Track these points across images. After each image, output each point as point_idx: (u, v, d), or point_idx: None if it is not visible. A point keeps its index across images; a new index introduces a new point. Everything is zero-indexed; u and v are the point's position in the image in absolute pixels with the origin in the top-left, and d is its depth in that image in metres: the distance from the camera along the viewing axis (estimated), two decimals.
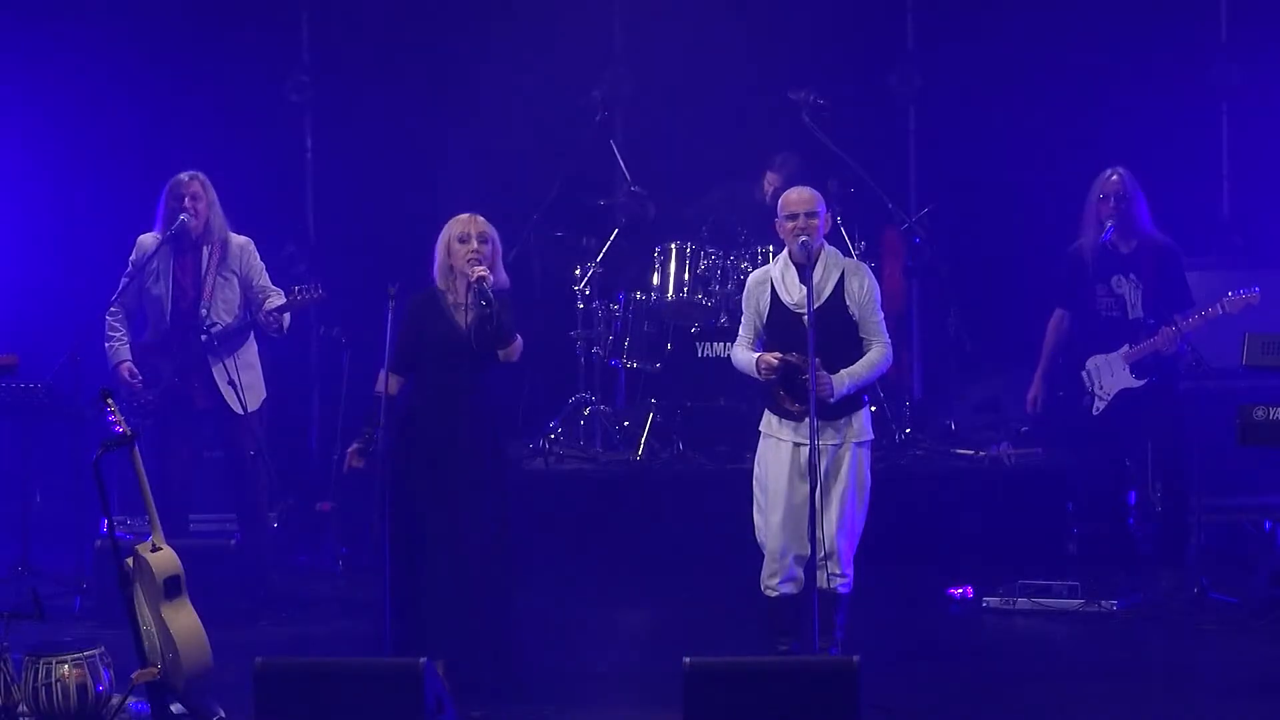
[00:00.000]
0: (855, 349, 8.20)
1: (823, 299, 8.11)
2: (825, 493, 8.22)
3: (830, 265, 8.19)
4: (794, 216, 8.11)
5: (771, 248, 10.66)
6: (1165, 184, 10.94)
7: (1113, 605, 9.68)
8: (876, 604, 9.45)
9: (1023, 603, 9.86)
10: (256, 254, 10.22)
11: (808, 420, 8.06)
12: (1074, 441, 10.65)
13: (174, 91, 13.51)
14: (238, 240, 10.16)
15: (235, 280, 10.13)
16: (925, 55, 13.30)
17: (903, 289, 12.50)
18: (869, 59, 13.27)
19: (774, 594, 8.40)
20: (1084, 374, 10.09)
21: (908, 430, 11.74)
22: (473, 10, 13.81)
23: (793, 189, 8.34)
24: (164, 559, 8.21)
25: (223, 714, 8.15)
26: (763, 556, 8.52)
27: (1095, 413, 10.02)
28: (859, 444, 8.24)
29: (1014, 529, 10.85)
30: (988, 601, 9.93)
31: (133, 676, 8.12)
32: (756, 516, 8.49)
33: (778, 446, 8.33)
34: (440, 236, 8.38)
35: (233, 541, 10.06)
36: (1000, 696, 8.48)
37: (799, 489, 8.24)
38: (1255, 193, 12.94)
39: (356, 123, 13.59)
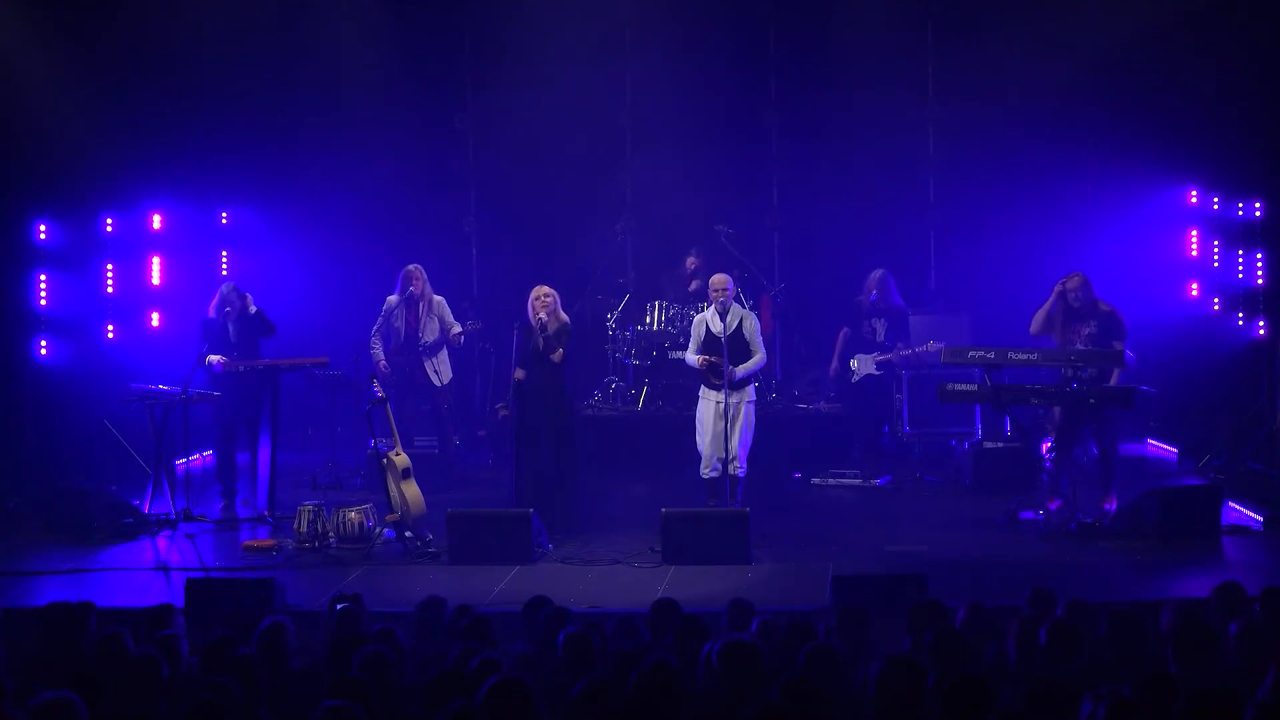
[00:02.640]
0: (747, 354, 11.45)
1: (730, 330, 11.38)
2: (731, 425, 11.39)
3: (734, 312, 11.50)
4: (716, 290, 11.57)
5: (704, 303, 12.68)
6: (900, 264, 14.07)
7: (874, 482, 13.15)
8: (757, 485, 12.25)
9: (830, 481, 13.23)
10: (445, 304, 13.22)
11: (723, 389, 11.34)
12: (846, 398, 13.65)
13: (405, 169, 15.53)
14: (437, 298, 13.19)
15: (435, 320, 13.13)
16: (787, 209, 15.97)
17: (771, 324, 15.01)
18: (755, 210, 15.74)
19: (706, 476, 11.62)
20: (850, 361, 13.36)
21: (774, 395, 14.66)
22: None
23: (716, 275, 11.75)
24: (402, 459, 11.27)
25: (431, 537, 10.99)
26: (700, 458, 11.65)
27: (852, 382, 13.33)
28: (749, 402, 11.53)
29: (827, 444, 13.91)
30: (814, 480, 13.27)
31: (385, 518, 11.14)
32: (697, 438, 11.66)
33: (706, 402, 11.52)
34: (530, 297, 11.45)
35: (436, 451, 13.22)
36: (821, 532, 11.55)
37: (718, 424, 11.45)
38: (952, 267, 15.51)
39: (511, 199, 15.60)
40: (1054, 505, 11.37)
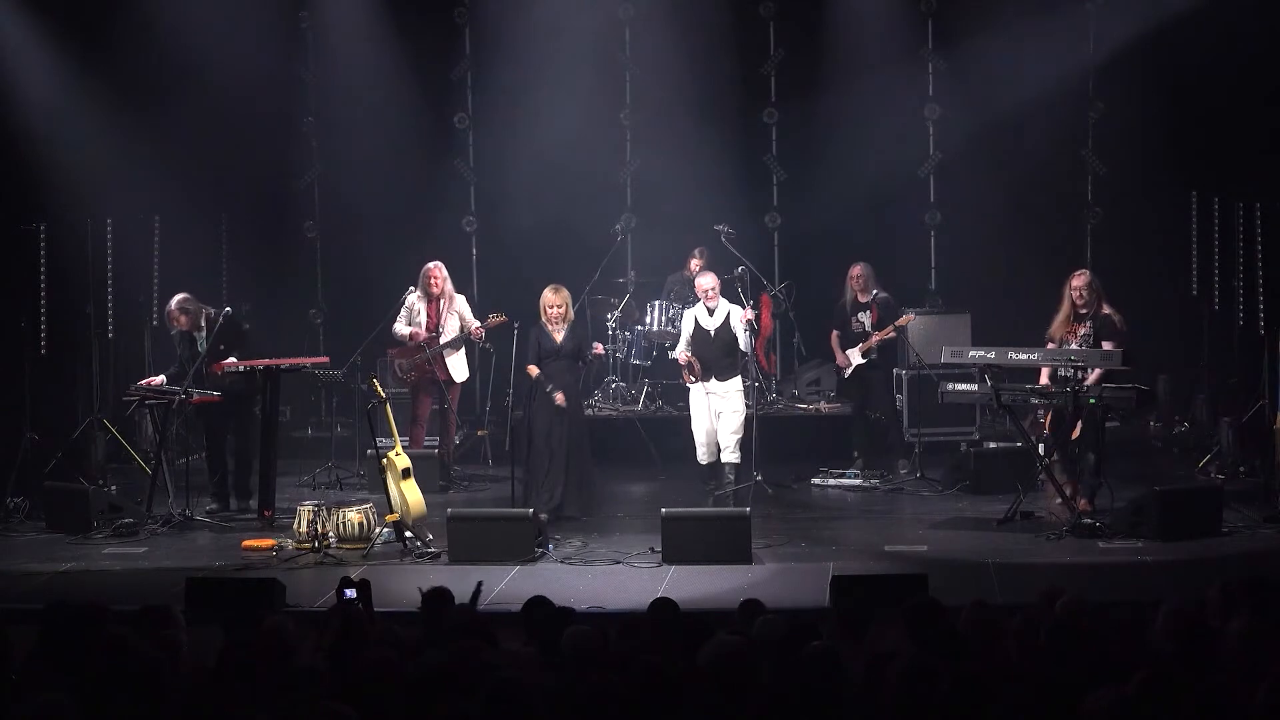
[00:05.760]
0: (734, 346, 12.17)
1: (718, 324, 12.23)
2: (722, 415, 12.22)
3: (722, 307, 12.20)
4: (705, 291, 12.29)
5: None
6: (900, 264, 14.41)
7: (874, 483, 13.26)
8: (773, 484, 12.76)
9: (830, 481, 13.40)
10: (465, 303, 13.43)
11: (711, 380, 12.15)
12: (846, 395, 13.87)
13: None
14: (458, 296, 13.39)
15: (456, 317, 13.30)
16: (787, 209, 16.39)
17: (772, 323, 15.56)
18: (754, 210, 16.04)
19: (701, 463, 12.37)
20: (843, 355, 13.49)
21: (774, 395, 15.15)
22: None
23: (705, 275, 12.51)
24: (402, 459, 11.38)
25: (430, 537, 11.12)
26: (694, 446, 12.46)
27: (845, 375, 13.67)
28: (736, 391, 12.20)
29: (828, 444, 14.19)
30: (814, 481, 13.42)
31: (386, 518, 11.20)
32: (693, 427, 12.39)
33: (696, 393, 12.32)
34: (541, 300, 11.90)
35: (436, 451, 13.36)
36: (821, 532, 11.75)
37: (709, 414, 12.26)
38: (952, 267, 15.97)
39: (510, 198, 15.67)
40: (1080, 504, 11.47)
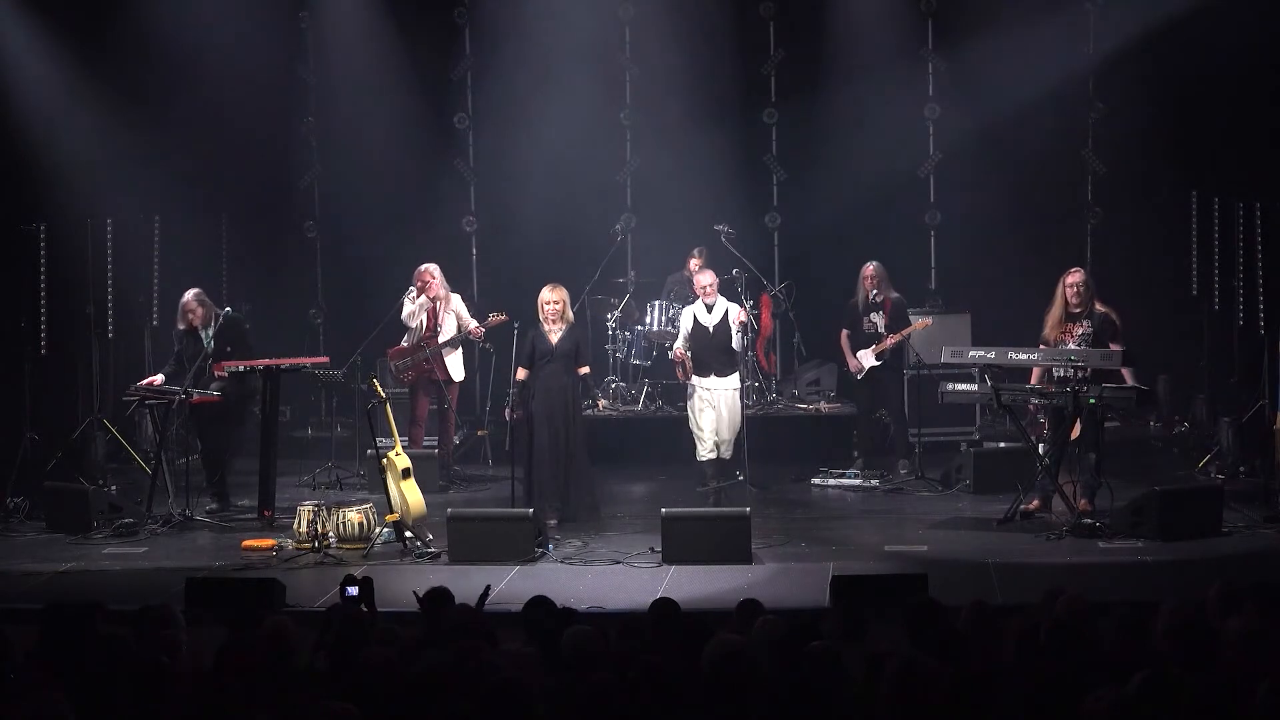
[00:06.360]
0: (729, 344, 12.40)
1: (716, 320, 12.43)
2: (719, 413, 12.43)
3: (720, 305, 12.42)
4: (704, 288, 12.54)
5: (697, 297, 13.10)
6: (900, 264, 14.33)
7: (874, 482, 13.33)
8: (759, 484, 12.94)
9: (830, 481, 13.46)
10: (462, 303, 13.55)
11: (709, 375, 12.36)
12: (851, 393, 14.03)
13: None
14: (455, 296, 13.52)
15: (453, 316, 13.47)
16: (787, 209, 16.49)
17: (772, 323, 15.64)
18: (754, 210, 16.16)
19: (701, 460, 12.54)
20: (854, 357, 13.59)
21: (774, 395, 15.23)
22: None
23: (704, 273, 12.75)
24: (402, 459, 11.48)
25: (431, 538, 11.20)
26: (694, 445, 12.67)
27: (859, 378, 13.68)
28: (735, 389, 12.42)
29: (828, 444, 14.27)
30: (814, 481, 13.49)
31: (385, 517, 11.31)
32: (691, 425, 12.65)
33: (696, 393, 12.52)
34: (539, 298, 11.85)
35: (435, 451, 13.53)
36: (821, 532, 11.77)
37: (707, 411, 12.46)
38: (952, 267, 16.03)
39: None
40: (1080, 504, 11.52)
